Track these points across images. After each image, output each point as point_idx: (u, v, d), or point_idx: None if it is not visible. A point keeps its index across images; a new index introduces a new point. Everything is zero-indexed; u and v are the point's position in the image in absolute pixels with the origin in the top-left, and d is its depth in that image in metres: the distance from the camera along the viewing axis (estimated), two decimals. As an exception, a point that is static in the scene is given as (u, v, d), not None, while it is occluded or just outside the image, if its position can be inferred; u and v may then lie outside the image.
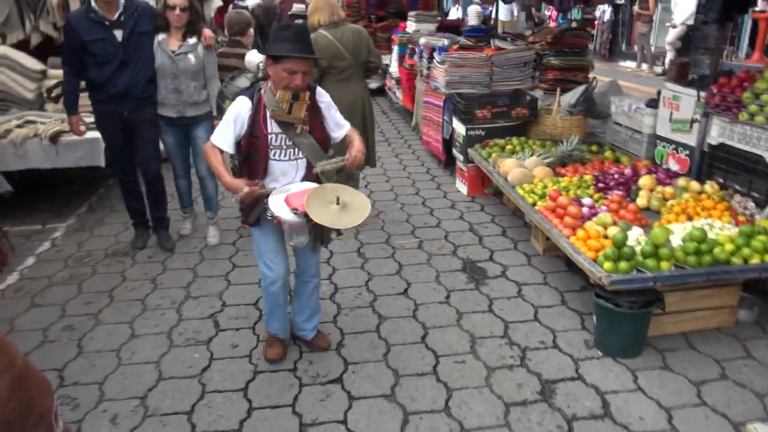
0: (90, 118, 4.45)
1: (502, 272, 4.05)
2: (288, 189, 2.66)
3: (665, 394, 2.81)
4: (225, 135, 2.67)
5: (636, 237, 3.22)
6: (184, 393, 2.86)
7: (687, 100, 4.32)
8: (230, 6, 11.51)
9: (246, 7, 10.85)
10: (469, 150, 5.34)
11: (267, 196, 2.64)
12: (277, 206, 2.58)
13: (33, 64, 5.45)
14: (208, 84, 4.10)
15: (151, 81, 3.98)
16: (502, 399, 2.79)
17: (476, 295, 3.74)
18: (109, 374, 3.00)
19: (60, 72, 5.46)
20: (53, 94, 5.39)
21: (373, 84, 10.77)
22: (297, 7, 11.92)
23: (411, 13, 8.92)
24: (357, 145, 2.78)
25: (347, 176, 2.87)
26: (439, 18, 9.27)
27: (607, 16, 14.92)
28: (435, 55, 6.20)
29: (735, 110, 3.81)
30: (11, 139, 4.74)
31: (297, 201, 2.53)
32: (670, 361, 3.04)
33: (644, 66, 12.90)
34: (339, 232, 2.85)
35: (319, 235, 2.81)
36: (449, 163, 6.20)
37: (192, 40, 3.96)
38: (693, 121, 4.26)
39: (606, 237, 3.31)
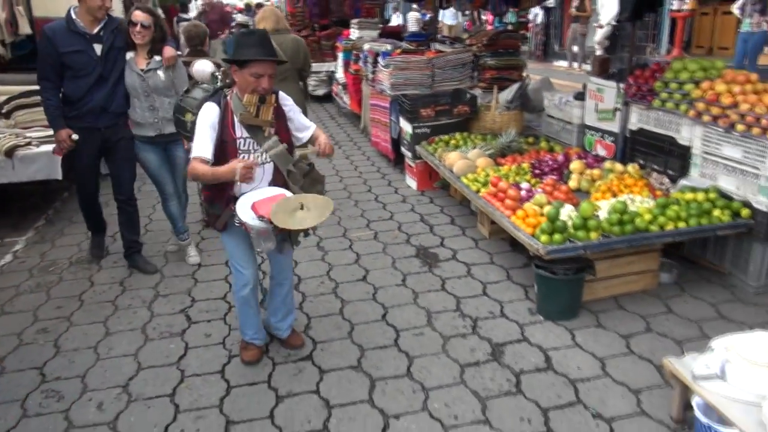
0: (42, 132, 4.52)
1: (452, 255, 4.38)
2: (255, 195, 2.71)
3: (599, 347, 3.19)
4: (204, 144, 2.68)
5: (568, 213, 3.61)
6: (164, 379, 3.05)
7: (609, 92, 4.78)
8: (174, 19, 11.59)
9: (189, 19, 11.00)
10: (416, 147, 5.69)
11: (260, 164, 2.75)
12: (244, 213, 2.64)
13: (-20, 81, 5.48)
14: None
15: (126, 97, 3.96)
16: (458, 362, 3.11)
17: (430, 277, 4.06)
18: (89, 368, 3.16)
19: (8, 88, 5.57)
20: (3, 110, 5.43)
21: (320, 91, 11.08)
22: (242, 18, 12.10)
23: (354, 21, 9.28)
24: (323, 136, 2.95)
25: (313, 179, 2.94)
26: (380, 25, 9.65)
27: (539, 19, 15.70)
28: (379, 59, 6.54)
29: (649, 98, 4.28)
30: (-35, 156, 4.76)
31: (263, 208, 2.59)
32: (602, 320, 3.44)
33: (575, 65, 13.63)
34: (307, 232, 2.93)
35: (287, 237, 2.86)
36: (398, 161, 6.53)
37: (158, 57, 3.93)
38: (615, 110, 4.72)
39: (542, 215, 3.68)
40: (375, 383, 2.96)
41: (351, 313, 3.63)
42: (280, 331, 3.25)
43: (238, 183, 2.66)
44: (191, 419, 2.75)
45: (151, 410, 2.82)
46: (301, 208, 2.58)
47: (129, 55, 3.93)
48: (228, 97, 2.76)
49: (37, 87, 5.14)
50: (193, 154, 2.69)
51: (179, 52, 4.24)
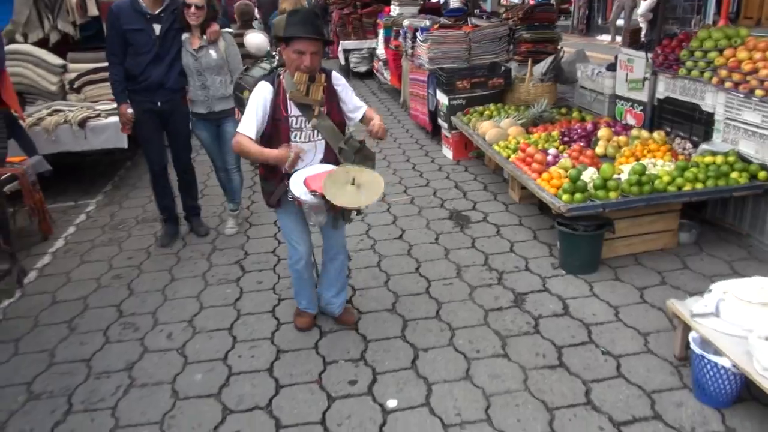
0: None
1: (483, 218, 4.69)
2: (308, 171, 2.78)
3: (614, 297, 3.46)
4: (251, 122, 2.76)
5: (590, 175, 3.86)
6: (223, 316, 3.49)
7: (639, 62, 4.95)
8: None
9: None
10: (452, 118, 5.96)
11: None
12: (297, 188, 2.69)
13: (54, 59, 6.00)
14: (234, 77, 4.22)
15: (183, 74, 4.17)
16: (483, 307, 3.44)
17: (461, 236, 4.38)
18: (158, 306, 3.64)
19: (79, 66, 6.08)
20: (75, 86, 5.95)
21: (361, 67, 11.39)
22: None
23: (396, -2, 9.49)
24: (377, 118, 2.96)
25: (364, 156, 2.95)
26: (421, 1, 9.83)
27: (583, -8, 15.50)
28: (418, 34, 6.80)
29: (675, 67, 4.44)
30: (44, 126, 5.30)
31: (315, 183, 2.63)
32: (620, 274, 3.70)
33: (618, 38, 13.49)
34: (359, 210, 2.97)
35: (340, 213, 2.88)
36: (435, 132, 6.82)
37: (206, 37, 4.14)
38: (644, 79, 4.89)
39: (566, 178, 3.93)
40: (407, 323, 3.32)
41: (387, 266, 3.99)
42: (333, 305, 3.30)
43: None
44: (247, 348, 3.18)
45: (213, 340, 3.27)
46: (353, 183, 2.62)
47: (185, 35, 4.18)
48: (281, 76, 2.84)
49: (102, 64, 5.71)
50: (239, 128, 2.77)
51: (228, 29, 4.50)
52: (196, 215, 4.76)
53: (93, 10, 5.95)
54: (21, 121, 4.92)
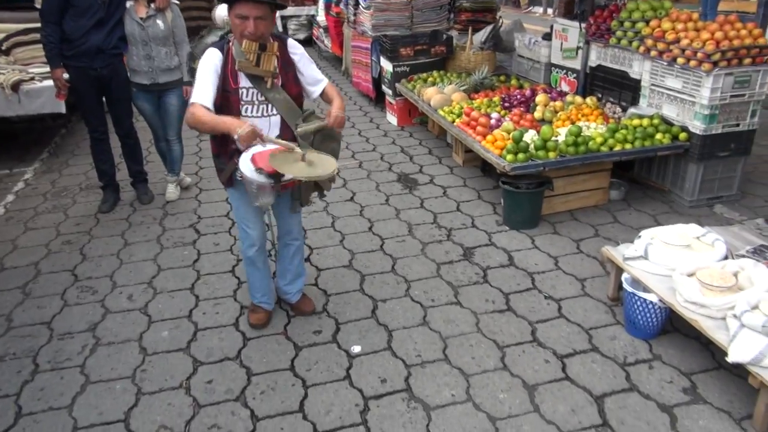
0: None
1: (430, 180, 4.89)
2: (258, 148, 2.52)
3: (554, 248, 3.76)
4: (205, 90, 2.50)
5: (531, 137, 4.12)
6: (183, 277, 3.55)
7: (573, 32, 5.23)
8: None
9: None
10: (397, 84, 6.10)
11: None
12: (244, 165, 2.48)
13: (-22, 18, 5.69)
14: (178, 49, 4.27)
15: (123, 39, 4.11)
16: (435, 261, 3.66)
17: (410, 197, 4.57)
18: (115, 270, 3.64)
19: (6, 26, 5.79)
20: (3, 47, 5.67)
21: (300, 35, 11.27)
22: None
23: (334, -37, 9.41)
24: (337, 103, 2.71)
25: (326, 135, 2.72)
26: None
27: (516, -36, 15.83)
28: (360, 1, 6.84)
29: (606, 37, 4.74)
30: (-27, 90, 5.06)
31: (263, 160, 2.44)
32: (558, 229, 4.00)
33: (549, 11, 13.95)
34: (322, 193, 2.80)
35: (298, 194, 2.73)
36: (379, 99, 6.94)
37: (155, 5, 4.11)
38: (578, 48, 5.18)
39: (509, 140, 4.17)
40: (364, 277, 3.50)
41: (341, 226, 4.13)
42: (288, 295, 3.13)
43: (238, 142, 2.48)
44: (210, 305, 3.27)
45: (175, 300, 3.33)
46: (302, 160, 2.44)
47: (129, 3, 4.11)
48: (231, 44, 2.58)
49: (33, 25, 5.48)
50: (192, 99, 2.50)
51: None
52: (142, 181, 4.71)
53: (22, -32, 5.65)
54: None
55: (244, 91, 2.59)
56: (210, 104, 2.49)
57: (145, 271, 3.63)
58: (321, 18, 9.50)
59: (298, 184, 2.66)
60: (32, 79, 5.31)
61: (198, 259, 3.75)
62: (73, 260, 3.77)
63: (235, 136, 2.42)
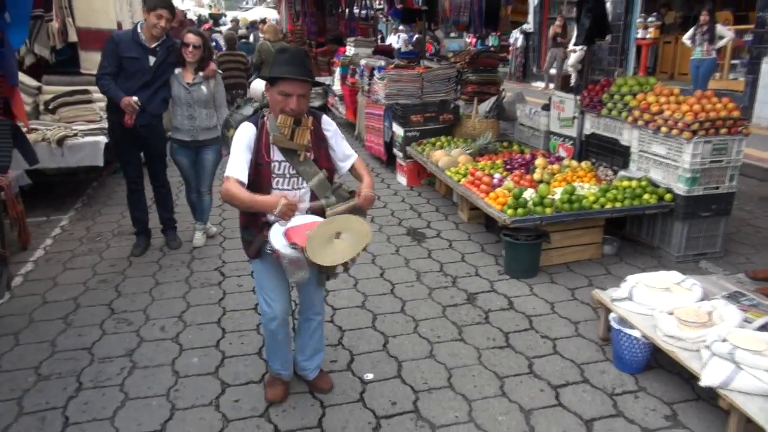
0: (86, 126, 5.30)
1: (437, 234, 5.28)
2: (290, 221, 2.52)
3: (551, 295, 4.08)
4: (239, 164, 2.55)
5: (530, 194, 4.52)
6: (210, 313, 3.88)
7: (569, 103, 5.75)
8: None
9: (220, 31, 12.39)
10: (407, 148, 6.60)
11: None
12: (277, 240, 2.46)
13: (30, 81, 6.29)
14: (218, 111, 4.74)
15: (165, 101, 4.57)
16: (441, 304, 3.98)
17: (418, 249, 4.94)
18: (148, 305, 3.98)
19: (54, 88, 6.39)
20: (50, 107, 6.23)
21: (316, 102, 11.96)
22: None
23: (350, 39, 10.23)
24: (367, 181, 2.72)
25: (353, 209, 2.68)
26: (374, 44, 10.59)
27: (519, 43, 16.85)
28: (375, 73, 7.47)
29: (599, 108, 5.24)
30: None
31: (297, 235, 2.40)
32: (555, 278, 4.34)
33: (551, 86, 14.73)
34: (347, 267, 2.54)
35: (325, 269, 2.57)
36: (390, 162, 7.44)
37: (202, 74, 4.58)
38: (574, 118, 5.68)
39: (510, 197, 4.58)
40: (376, 316, 3.82)
41: (354, 272, 4.47)
42: (307, 371, 3.05)
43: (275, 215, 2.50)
44: (236, 337, 3.59)
45: (204, 332, 3.65)
46: (337, 237, 2.40)
47: (177, 70, 4.59)
48: (265, 117, 2.64)
49: (77, 87, 6.08)
50: (227, 173, 2.53)
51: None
52: (171, 228, 5.10)
53: (73, 37, 6.30)
54: (27, 133, 5.17)
55: (277, 164, 2.60)
56: (244, 179, 2.53)
57: (176, 307, 3.97)
58: (337, 87, 10.17)
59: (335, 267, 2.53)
60: (75, 135, 5.83)
61: (223, 298, 4.09)
62: (109, 296, 4.12)
63: (273, 217, 2.51)
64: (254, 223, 2.68)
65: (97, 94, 6.04)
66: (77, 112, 6.23)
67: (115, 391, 3.06)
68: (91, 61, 6.79)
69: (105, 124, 5.83)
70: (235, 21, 20.40)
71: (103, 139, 5.86)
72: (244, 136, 2.59)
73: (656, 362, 3.21)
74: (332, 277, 2.73)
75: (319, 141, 2.69)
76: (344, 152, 2.80)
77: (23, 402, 2.97)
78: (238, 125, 2.68)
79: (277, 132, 2.55)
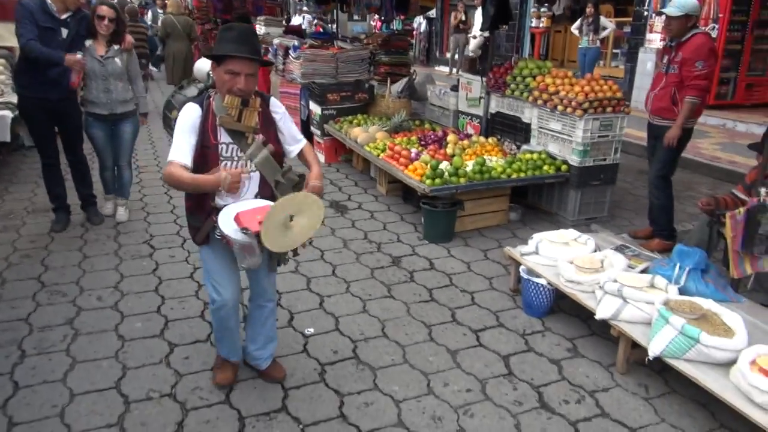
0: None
1: (358, 206, 5.59)
2: (239, 206, 2.45)
3: (466, 256, 4.53)
4: (183, 148, 2.44)
5: (445, 167, 4.94)
6: (146, 282, 3.96)
7: (476, 85, 6.22)
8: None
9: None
10: (325, 125, 6.83)
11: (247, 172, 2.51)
12: (227, 225, 2.37)
13: None
14: (133, 83, 4.75)
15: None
16: (368, 267, 4.31)
17: (343, 220, 5.23)
18: (80, 277, 3.99)
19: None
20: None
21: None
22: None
23: (260, 18, 10.23)
24: (315, 171, 2.68)
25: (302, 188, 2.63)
26: (284, 24, 10.63)
27: (423, 28, 17.40)
28: (290, 52, 7.60)
29: (503, 89, 5.75)
30: None
31: (248, 220, 2.31)
32: (469, 242, 4.80)
33: (455, 71, 15.41)
34: (296, 252, 2.45)
35: (276, 254, 2.52)
36: (307, 140, 7.60)
37: (117, 47, 4.56)
38: (480, 98, 6.17)
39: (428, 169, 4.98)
40: (310, 279, 4.08)
41: (284, 242, 4.69)
42: (259, 360, 2.96)
43: (222, 193, 2.44)
44: (176, 302, 3.72)
45: (143, 299, 3.75)
46: (291, 221, 2.30)
47: (88, 42, 4.51)
48: (211, 98, 2.52)
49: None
50: (170, 157, 2.43)
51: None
52: (92, 204, 5.04)
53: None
54: None
55: (224, 146, 2.51)
56: (189, 162, 2.44)
57: (109, 278, 4.01)
58: (247, 66, 10.11)
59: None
60: (-23, 109, 5.55)
61: (157, 268, 4.18)
62: (36, 270, 4.07)
63: (220, 200, 2.47)
64: (201, 208, 2.59)
65: (-2, 67, 5.77)
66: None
67: (61, 356, 3.12)
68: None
69: (10, 99, 5.60)
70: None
71: (8, 114, 5.62)
72: (189, 117, 2.47)
73: (558, 307, 3.73)
74: (283, 262, 2.69)
75: (268, 123, 2.61)
76: (294, 136, 2.74)
77: (-35, 371, 2.97)
78: (182, 106, 2.56)
79: (224, 113, 2.46)
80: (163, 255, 4.39)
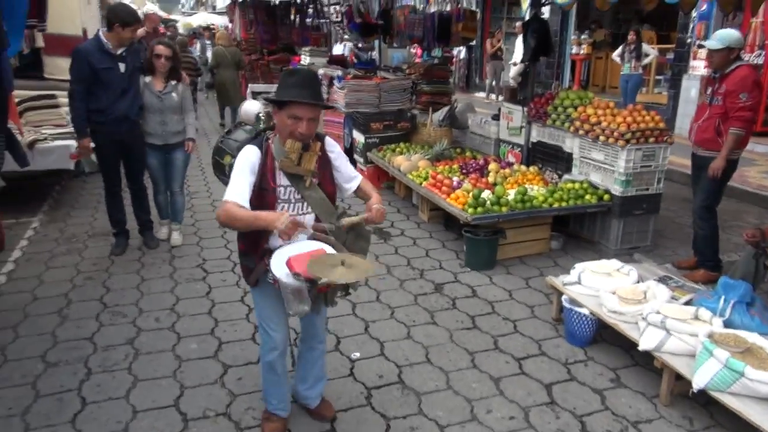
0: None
1: (401, 233, 5.72)
2: (291, 248, 2.43)
3: (508, 284, 4.60)
4: (240, 188, 2.41)
5: (486, 196, 5.04)
6: (200, 305, 4.16)
7: (517, 114, 6.33)
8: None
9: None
10: (368, 153, 7.03)
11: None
12: (278, 268, 2.36)
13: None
14: (185, 115, 5.01)
15: (141, 107, 4.77)
16: (412, 293, 4.42)
17: (386, 246, 5.35)
18: (138, 299, 4.22)
19: (20, 92, 6.45)
20: (17, 111, 6.28)
21: (270, 108, 12.25)
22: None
23: (305, 49, 10.56)
24: (376, 197, 2.68)
25: (358, 235, 2.67)
26: (328, 53, 10.98)
27: (462, 55, 17.63)
28: (335, 82, 7.86)
29: (544, 119, 5.84)
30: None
31: (300, 265, 2.30)
32: (511, 270, 4.86)
33: (492, 96, 15.52)
34: (347, 292, 2.55)
35: (323, 295, 2.50)
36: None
37: (173, 82, 4.86)
38: (521, 127, 6.27)
39: (469, 197, 5.08)
40: (356, 305, 4.21)
41: (330, 267, 4.85)
42: (309, 400, 2.97)
43: (276, 234, 2.40)
44: (228, 325, 3.89)
45: (197, 321, 3.94)
46: (342, 264, 2.27)
47: (147, 78, 4.83)
48: (270, 141, 2.53)
49: (43, 92, 6.19)
50: (226, 197, 2.41)
51: None
52: (149, 229, 5.31)
53: (40, 42, 6.38)
54: (18, 136, 5.23)
55: (282, 189, 2.52)
56: (245, 203, 2.41)
57: (166, 300, 4.22)
58: (293, 95, 10.46)
59: (334, 287, 2.44)
60: (45, 139, 5.93)
61: (210, 292, 4.38)
62: (98, 292, 4.32)
63: (276, 231, 2.35)
64: (254, 250, 2.58)
65: (63, 99, 6.15)
66: (43, 116, 6.31)
67: (124, 374, 3.32)
68: (54, 66, 6.89)
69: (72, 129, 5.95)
70: (173, 26, 20.37)
71: (72, 143, 5.97)
72: (248, 159, 2.47)
73: (601, 337, 3.76)
74: (331, 303, 2.61)
75: (324, 164, 2.61)
76: (349, 174, 2.72)
77: (38, 386, 3.19)
78: (234, 151, 2.62)
79: (283, 156, 2.46)
80: (216, 279, 4.60)
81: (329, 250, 2.43)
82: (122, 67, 4.64)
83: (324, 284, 2.27)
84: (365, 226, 2.65)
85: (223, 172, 2.87)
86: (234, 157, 2.56)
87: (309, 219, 2.56)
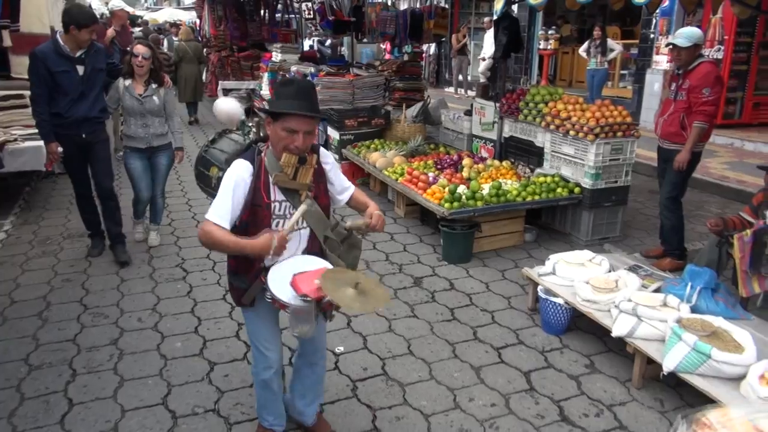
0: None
1: (378, 228, 5.79)
2: (290, 266, 2.34)
3: (484, 276, 4.72)
4: (224, 209, 2.28)
5: (462, 190, 5.15)
6: (182, 304, 4.18)
7: (489, 109, 6.46)
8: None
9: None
10: (343, 150, 7.08)
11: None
12: (282, 290, 2.24)
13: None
14: (169, 119, 4.97)
15: (104, 110, 4.68)
16: (392, 287, 4.51)
17: (364, 242, 5.36)
18: (119, 300, 4.22)
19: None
20: (-17, 111, 6.16)
21: (242, 104, 12.17)
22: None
23: (276, 45, 10.57)
24: (374, 204, 2.63)
25: (351, 245, 2.63)
26: (299, 50, 10.98)
27: (432, 51, 17.76)
28: (308, 79, 7.88)
29: (516, 114, 5.98)
30: (-40, 148, 5.51)
31: (306, 285, 2.20)
32: (487, 262, 4.99)
33: (460, 90, 15.70)
34: (338, 307, 2.43)
35: (321, 311, 2.38)
36: (324, 163, 7.87)
37: (154, 85, 4.79)
38: (494, 122, 6.40)
39: (445, 192, 5.19)
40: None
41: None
42: (305, 416, 2.85)
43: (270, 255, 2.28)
44: (212, 323, 3.93)
45: (180, 321, 3.96)
46: (355, 288, 2.20)
47: (127, 81, 4.73)
48: (263, 154, 2.38)
49: (10, 92, 6.09)
50: (209, 216, 2.27)
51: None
52: (120, 243, 4.93)
53: (7, 42, 6.25)
54: None
55: (277, 204, 2.38)
56: (227, 225, 2.28)
57: (147, 300, 4.23)
58: (266, 92, 10.44)
59: (337, 306, 2.40)
60: (15, 140, 5.83)
61: (191, 291, 4.39)
62: (77, 293, 4.30)
63: (270, 256, 2.27)
64: (247, 270, 2.45)
65: (32, 98, 6.05)
66: (12, 116, 6.20)
67: (110, 374, 3.33)
68: (22, 65, 6.68)
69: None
70: (145, 22, 20.06)
71: (43, 144, 5.88)
72: (239, 177, 2.31)
73: (576, 325, 3.91)
74: (329, 318, 2.57)
75: (319, 177, 2.49)
76: (342, 184, 2.64)
77: (22, 389, 3.18)
78: (222, 164, 2.52)
79: (278, 171, 2.33)
80: (196, 278, 4.61)
81: (329, 267, 2.37)
82: (80, 69, 4.47)
83: (329, 302, 2.23)
84: (356, 234, 2.62)
85: (208, 184, 2.77)
86: (222, 170, 2.47)
87: (304, 233, 2.46)
